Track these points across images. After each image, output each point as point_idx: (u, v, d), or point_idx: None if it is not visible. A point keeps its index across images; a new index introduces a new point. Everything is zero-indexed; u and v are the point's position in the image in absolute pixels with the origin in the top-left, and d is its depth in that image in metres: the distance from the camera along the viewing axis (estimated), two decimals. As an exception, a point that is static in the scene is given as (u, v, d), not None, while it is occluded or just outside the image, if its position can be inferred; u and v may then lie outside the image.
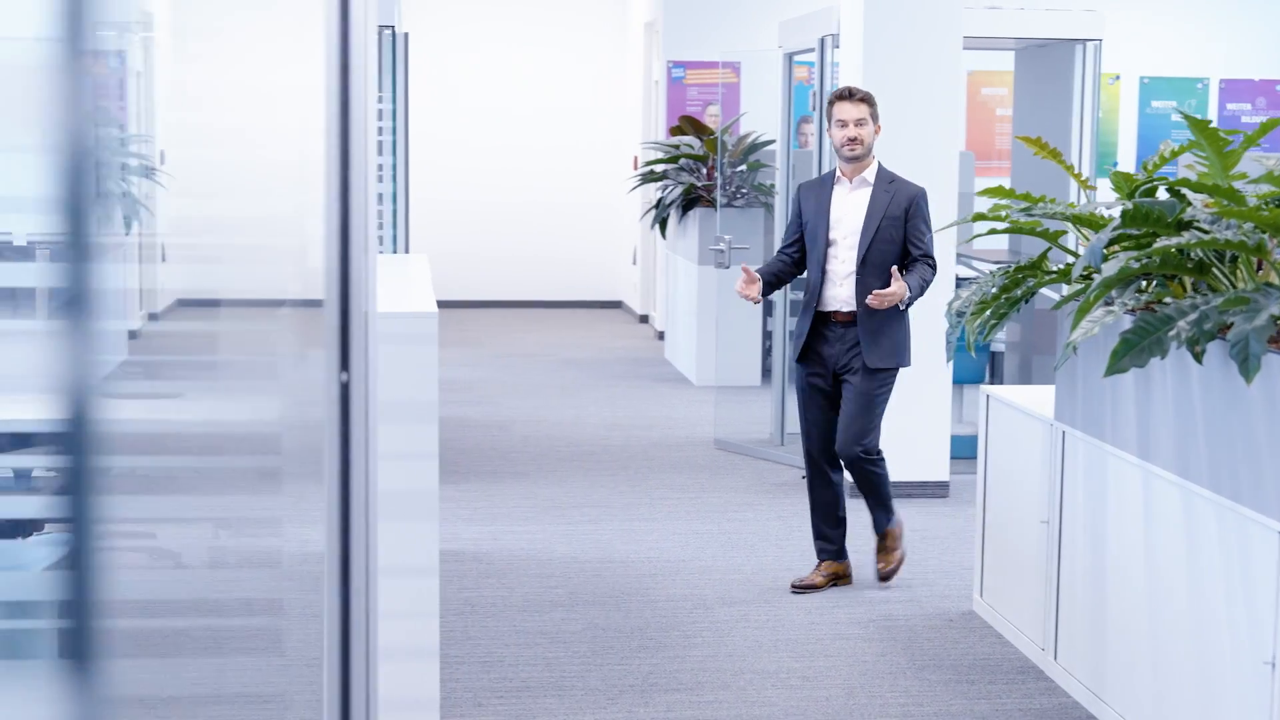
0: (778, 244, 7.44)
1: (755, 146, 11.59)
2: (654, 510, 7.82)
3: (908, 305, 6.24)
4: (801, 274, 6.53)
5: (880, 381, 6.33)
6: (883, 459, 6.47)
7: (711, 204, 11.36)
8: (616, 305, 16.50)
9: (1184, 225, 4.42)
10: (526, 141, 16.37)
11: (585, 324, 15.18)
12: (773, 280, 6.47)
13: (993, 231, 5.25)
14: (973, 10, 8.44)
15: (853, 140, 6.26)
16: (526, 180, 16.41)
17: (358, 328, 2.15)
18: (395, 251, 8.34)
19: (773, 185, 10.29)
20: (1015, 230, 5.26)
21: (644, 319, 15.22)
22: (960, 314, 5.36)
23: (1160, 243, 4.25)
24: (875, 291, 6.11)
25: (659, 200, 12.59)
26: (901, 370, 7.80)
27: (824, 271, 6.33)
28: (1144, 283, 4.82)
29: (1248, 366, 3.79)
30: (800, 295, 6.57)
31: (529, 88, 16.36)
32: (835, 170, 6.43)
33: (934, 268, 6.30)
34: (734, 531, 7.44)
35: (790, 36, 9.21)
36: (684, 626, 6.01)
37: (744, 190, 11.48)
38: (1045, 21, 8.50)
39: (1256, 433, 4.13)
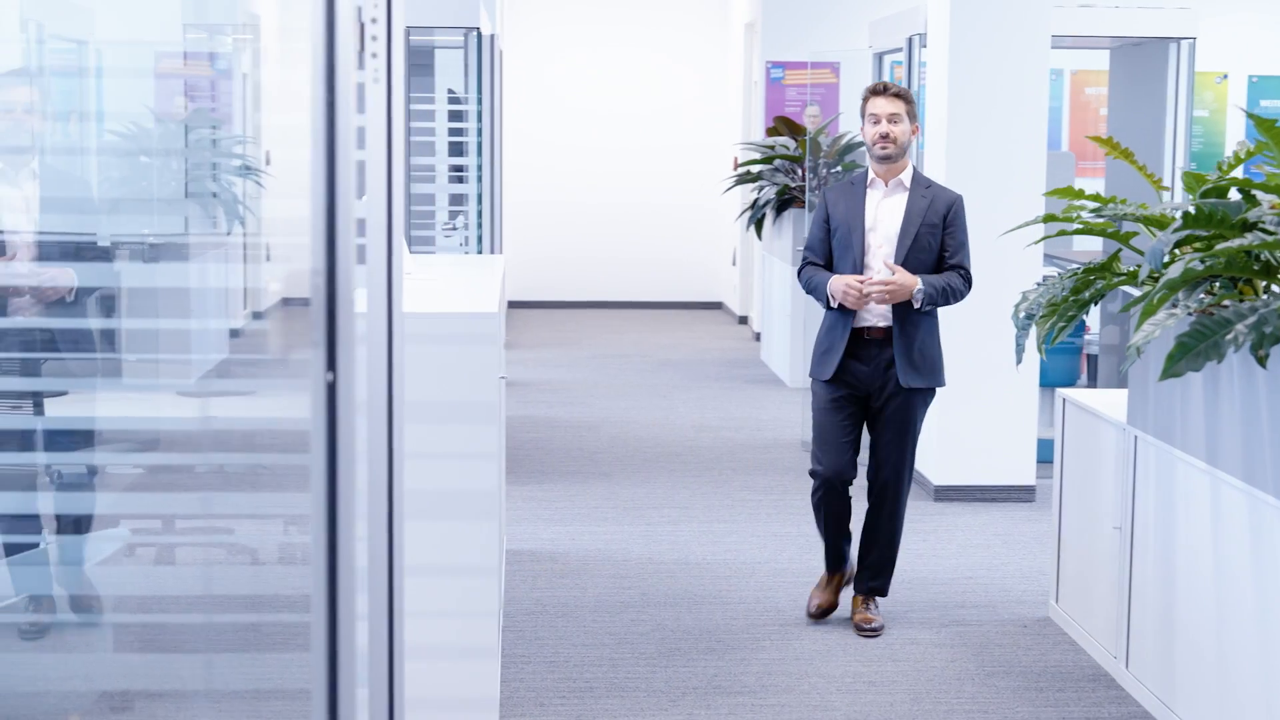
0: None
1: (850, 147, 11.52)
2: (735, 512, 7.79)
3: (924, 305, 5.74)
4: None
5: (921, 403, 5.88)
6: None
7: (805, 205, 11.30)
8: (717, 306, 16.48)
9: (1249, 226, 4.33)
10: (628, 142, 16.40)
11: (685, 325, 15.17)
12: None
13: (1062, 233, 5.17)
14: (1064, 9, 8.33)
15: (885, 137, 5.76)
16: (629, 181, 16.43)
17: (345, 326, 2.16)
18: (482, 252, 8.37)
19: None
20: (1085, 232, 5.18)
21: (743, 320, 15.18)
22: (1029, 316, 5.29)
23: (1222, 245, 4.16)
24: (871, 278, 5.73)
25: (755, 201, 12.55)
26: (988, 372, 7.75)
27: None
28: (1214, 284, 4.73)
29: (1305, 371, 3.70)
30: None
31: (631, 89, 16.39)
32: (867, 173, 5.93)
33: (967, 280, 5.84)
34: (813, 534, 7.37)
35: (880, 36, 9.15)
36: (754, 629, 5.98)
37: (839, 191, 11.41)
38: (1138, 20, 8.38)
39: (1319, 439, 4.03)
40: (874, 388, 5.86)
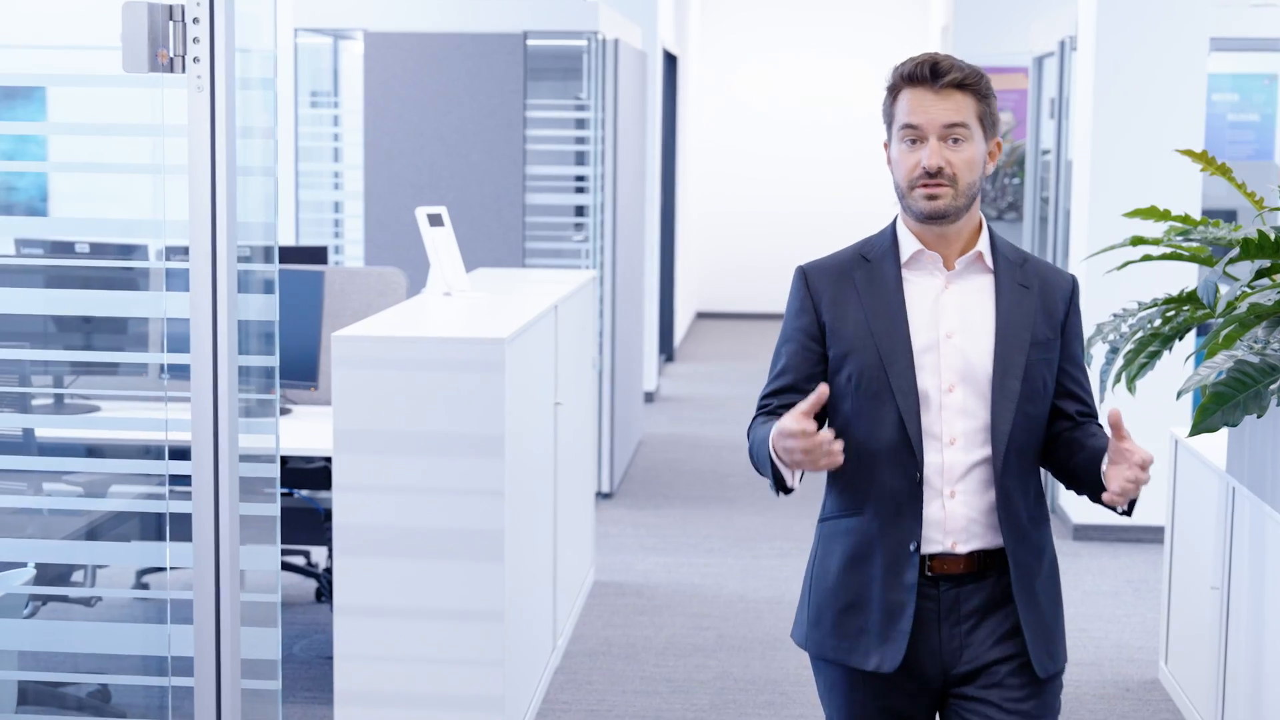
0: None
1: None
2: (851, 546, 7.30)
3: (1131, 506, 2.89)
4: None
5: (1052, 697, 3.02)
6: None
7: (978, 217, 10.72)
8: (913, 320, 15.89)
9: (1324, 256, 3.76)
10: (823, 151, 15.93)
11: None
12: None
13: (1146, 258, 4.61)
14: (1230, 8, 7.66)
15: (936, 177, 2.89)
16: (819, 190, 15.97)
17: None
18: (599, 266, 8.03)
19: (1046, 198, 9.61)
20: (1172, 257, 4.61)
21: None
22: (1114, 350, 4.74)
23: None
24: (1133, 454, 2.77)
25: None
26: (1137, 402, 6.93)
27: (916, 470, 2.93)
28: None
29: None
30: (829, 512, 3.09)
31: (827, 96, 15.91)
32: (893, 233, 3.03)
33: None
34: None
35: (1038, 39, 8.56)
36: (824, 681, 5.52)
37: (1016, 203, 10.82)
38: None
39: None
40: (954, 669, 2.99)
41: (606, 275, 8.07)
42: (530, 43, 7.86)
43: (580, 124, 8.23)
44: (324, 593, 6.06)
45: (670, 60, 12.48)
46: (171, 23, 2.68)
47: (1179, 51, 7.17)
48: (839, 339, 2.99)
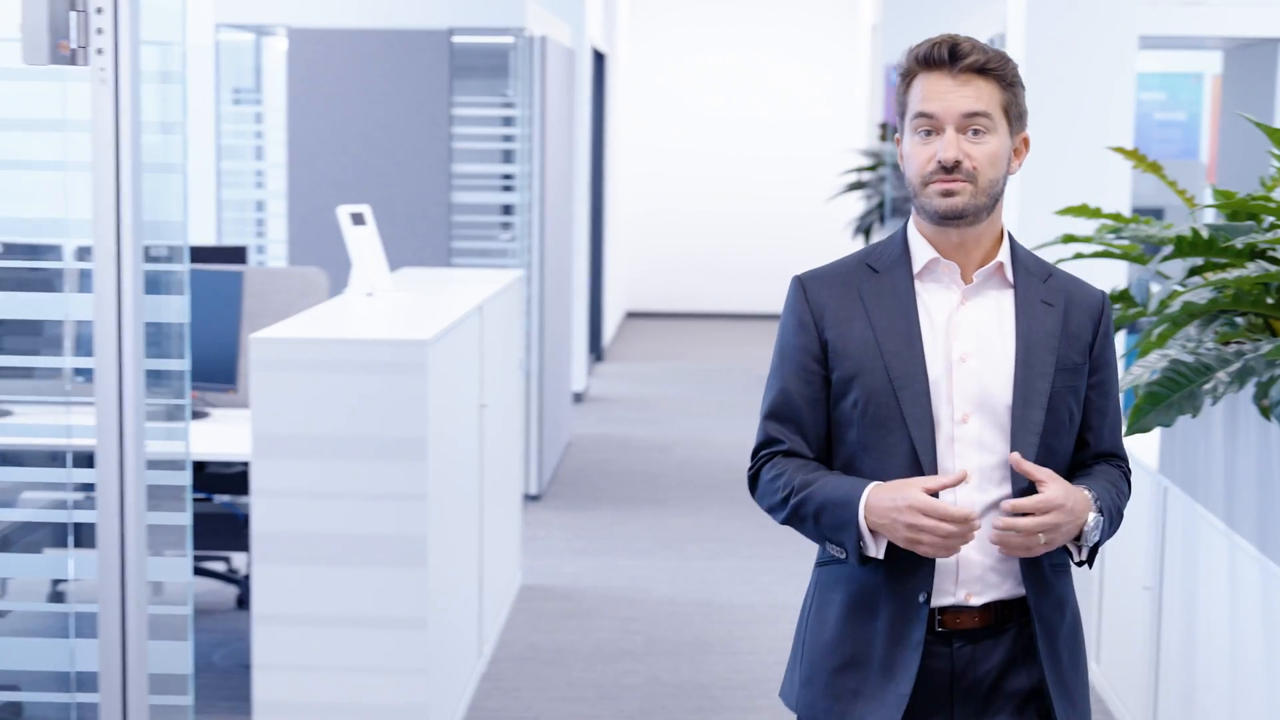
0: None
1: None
2: (781, 548, 7.24)
3: (1090, 556, 2.66)
4: None
5: None
6: None
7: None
8: (843, 319, 15.86)
9: (1258, 253, 3.71)
10: (753, 150, 15.89)
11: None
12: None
13: (1079, 256, 4.57)
14: (1162, 7, 7.65)
15: (952, 172, 2.58)
16: (750, 189, 15.92)
17: None
18: (526, 266, 7.93)
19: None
20: (1104, 255, 4.57)
21: (865, 334, 14.56)
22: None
23: (1215, 276, 3.57)
24: (1013, 510, 2.55)
25: (865, 211, 11.98)
26: None
27: None
28: (1242, 319, 4.11)
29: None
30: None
31: (757, 94, 15.87)
32: (903, 240, 2.72)
33: (1129, 478, 2.80)
34: (859, 575, 6.82)
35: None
36: (754, 685, 5.45)
37: (946, 201, 10.83)
38: (1244, 19, 7.67)
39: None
40: None
41: (534, 274, 7.98)
42: (456, 40, 7.76)
43: (507, 122, 8.13)
44: (245, 599, 5.94)
45: (599, 58, 12.40)
46: (74, 13, 2.57)
47: (1108, 49, 7.15)
48: (843, 359, 2.67)
